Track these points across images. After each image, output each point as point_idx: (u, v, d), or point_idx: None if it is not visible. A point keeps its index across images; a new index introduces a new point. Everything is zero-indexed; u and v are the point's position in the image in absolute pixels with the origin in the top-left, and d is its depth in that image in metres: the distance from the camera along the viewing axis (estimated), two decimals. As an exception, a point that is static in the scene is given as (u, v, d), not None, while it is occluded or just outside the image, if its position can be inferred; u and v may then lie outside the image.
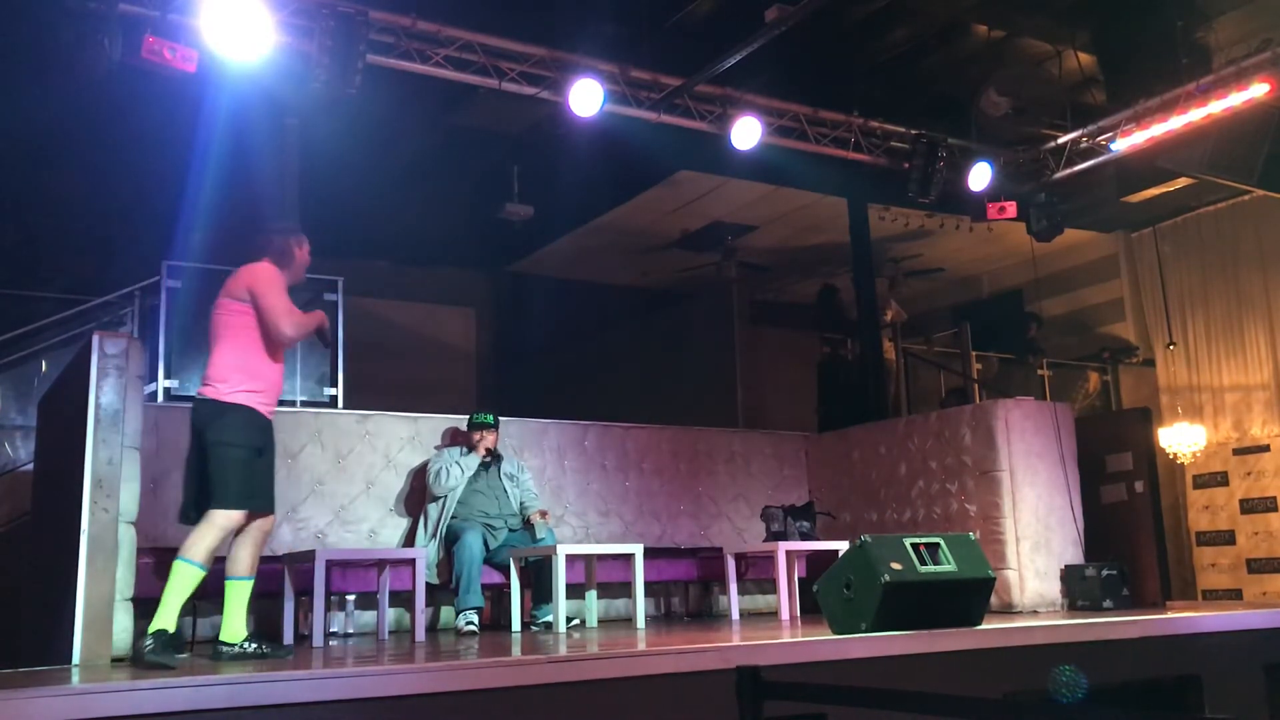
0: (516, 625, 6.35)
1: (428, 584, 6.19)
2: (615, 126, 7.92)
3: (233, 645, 4.48)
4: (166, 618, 4.28)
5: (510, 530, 6.65)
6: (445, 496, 6.61)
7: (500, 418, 7.04)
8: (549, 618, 6.20)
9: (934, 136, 8.73)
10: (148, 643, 4.17)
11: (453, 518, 6.58)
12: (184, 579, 4.35)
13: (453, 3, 7.09)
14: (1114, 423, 8.04)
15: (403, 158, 10.09)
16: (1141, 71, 8.67)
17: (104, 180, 8.97)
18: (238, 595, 4.57)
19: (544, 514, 6.65)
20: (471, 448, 6.77)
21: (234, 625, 4.55)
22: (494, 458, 6.80)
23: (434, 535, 6.54)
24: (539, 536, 6.50)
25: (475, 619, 6.21)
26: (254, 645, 4.52)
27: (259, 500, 4.59)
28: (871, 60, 9.14)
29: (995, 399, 7.36)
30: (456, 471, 6.63)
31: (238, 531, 4.57)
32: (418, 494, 6.96)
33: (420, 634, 5.65)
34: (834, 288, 11.23)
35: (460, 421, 7.11)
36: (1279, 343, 10.55)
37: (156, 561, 5.54)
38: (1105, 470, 7.28)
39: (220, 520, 4.42)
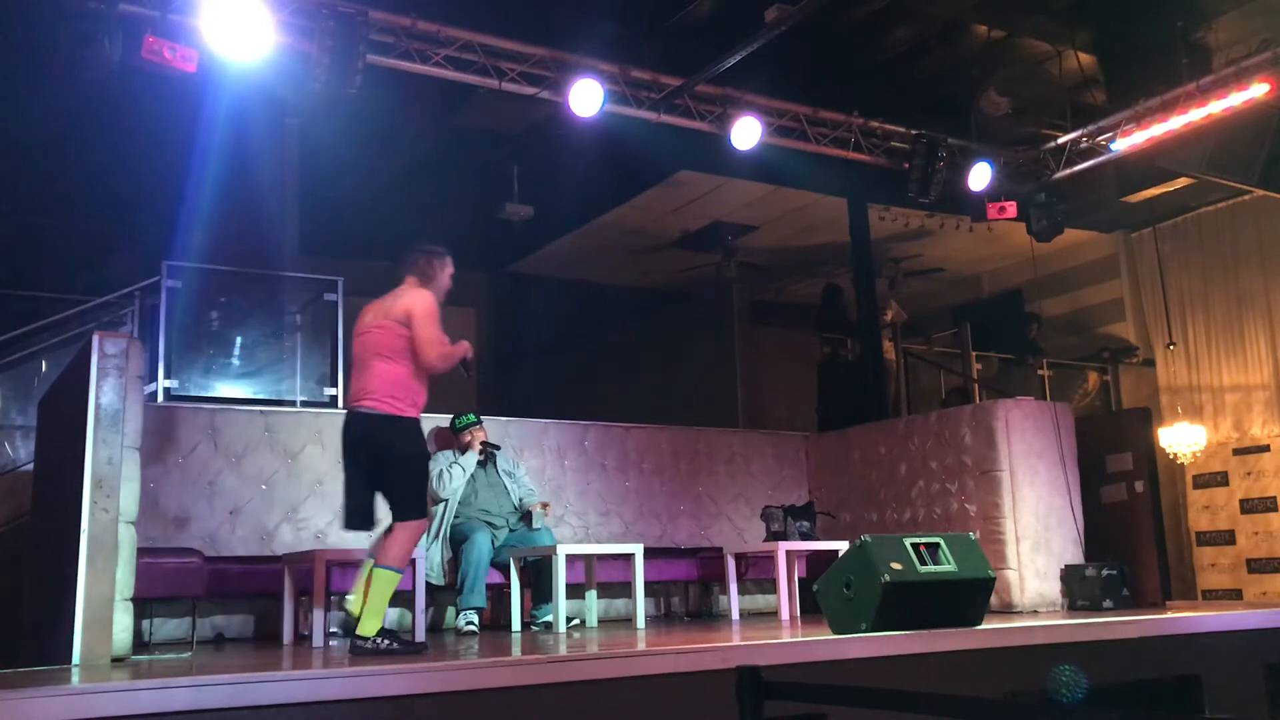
0: (516, 625, 6.35)
1: (432, 585, 6.20)
2: (615, 126, 7.92)
3: (367, 639, 4.58)
4: (375, 621, 4.57)
5: (511, 529, 6.65)
6: (448, 499, 6.61)
7: (489, 417, 7.09)
8: (549, 618, 6.20)
9: (934, 136, 8.72)
10: (382, 642, 4.52)
11: (456, 518, 6.58)
12: (386, 584, 4.62)
13: (453, 3, 7.08)
14: (1114, 423, 8.04)
15: (403, 158, 10.08)
16: (1141, 71, 8.66)
17: (104, 180, 8.96)
18: (385, 587, 4.65)
19: (545, 505, 6.65)
20: (463, 449, 6.77)
21: (376, 616, 4.62)
22: (488, 454, 6.81)
23: (437, 537, 6.54)
24: (536, 526, 6.51)
25: (475, 619, 6.21)
26: (386, 641, 4.59)
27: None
28: (871, 60, 9.13)
29: (995, 399, 7.37)
30: (458, 472, 6.63)
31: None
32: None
33: (420, 634, 5.65)
34: (838, 287, 11.23)
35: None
36: (1279, 343, 10.55)
37: (156, 562, 5.54)
38: (1105, 470, 7.28)
39: (417, 526, 4.73)
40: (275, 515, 6.58)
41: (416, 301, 4.77)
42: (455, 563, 6.43)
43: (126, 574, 4.56)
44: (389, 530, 4.74)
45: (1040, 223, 9.40)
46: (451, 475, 6.61)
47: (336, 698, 3.36)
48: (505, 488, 6.79)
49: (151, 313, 7.74)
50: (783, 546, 6.73)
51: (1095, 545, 6.93)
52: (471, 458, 6.72)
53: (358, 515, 4.80)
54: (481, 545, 6.30)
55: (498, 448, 6.89)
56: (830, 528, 7.64)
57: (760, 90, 8.11)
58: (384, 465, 4.70)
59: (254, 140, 8.63)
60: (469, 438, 6.78)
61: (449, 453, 6.78)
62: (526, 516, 6.66)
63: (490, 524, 6.57)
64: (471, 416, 6.91)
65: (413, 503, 4.69)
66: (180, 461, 6.37)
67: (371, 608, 4.59)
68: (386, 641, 4.56)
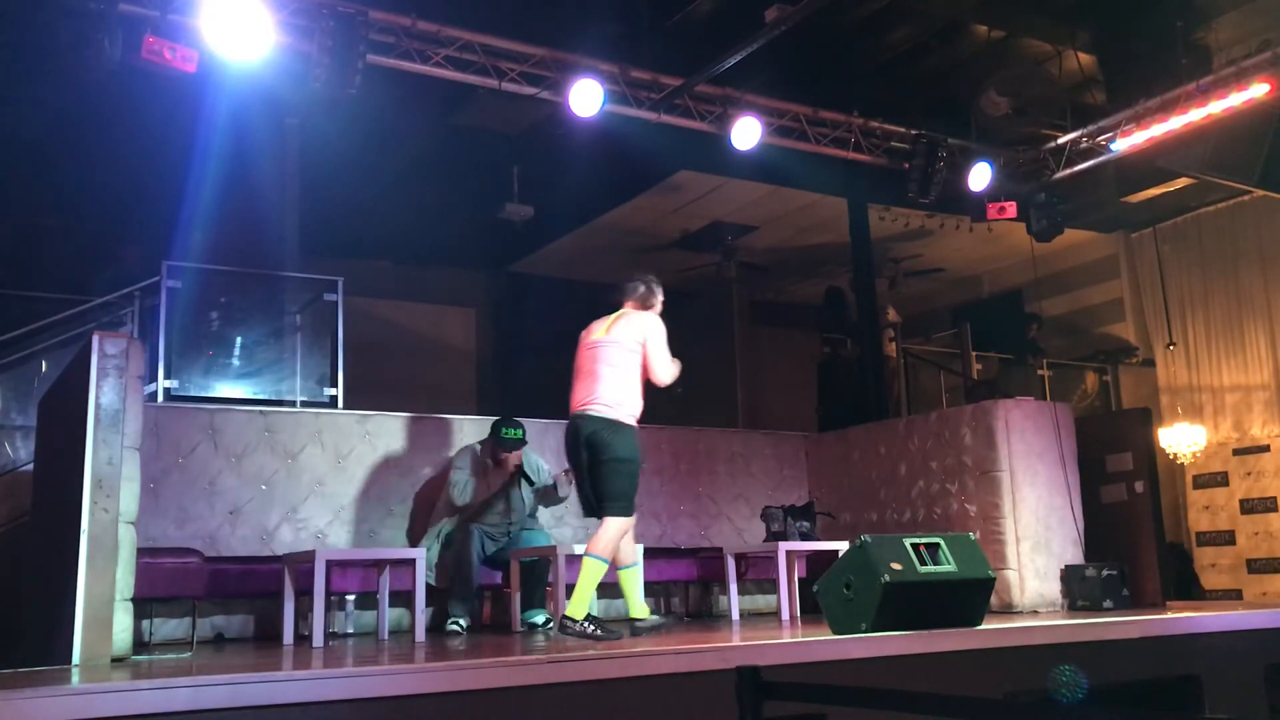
0: (517, 625, 6.35)
1: (430, 586, 6.20)
2: (615, 126, 7.92)
3: (575, 621, 4.99)
4: (582, 606, 5.03)
5: (510, 537, 6.60)
6: (461, 505, 6.49)
7: (489, 417, 6.87)
8: (536, 619, 6.20)
9: (934, 136, 8.73)
10: (585, 626, 4.95)
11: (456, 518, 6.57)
12: (593, 572, 5.10)
13: (453, 3, 7.09)
14: (1114, 423, 8.03)
15: (403, 158, 10.08)
16: (1141, 71, 8.67)
17: (104, 180, 8.96)
18: (593, 574, 5.09)
19: (568, 473, 6.35)
20: (498, 461, 6.54)
21: (583, 602, 5.06)
22: (519, 473, 6.58)
23: (437, 538, 6.52)
24: (563, 495, 6.47)
25: (464, 623, 6.20)
26: (592, 626, 4.99)
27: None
28: (871, 60, 9.14)
29: (995, 399, 7.36)
30: (474, 491, 6.48)
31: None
32: (417, 494, 6.96)
33: (420, 634, 5.65)
34: (839, 289, 11.24)
35: (460, 422, 7.10)
36: (1279, 343, 10.55)
37: (156, 562, 5.54)
38: (1105, 470, 7.27)
39: (624, 524, 5.22)
40: (275, 515, 6.58)
41: (652, 325, 5.46)
42: (448, 563, 6.43)
43: (126, 574, 4.56)
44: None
45: (1040, 223, 9.39)
46: (470, 491, 6.44)
47: (336, 698, 3.36)
48: (522, 498, 6.59)
49: (151, 313, 7.74)
50: (783, 546, 6.73)
51: (1095, 545, 6.93)
52: (497, 481, 6.51)
53: (589, 506, 5.36)
54: (468, 547, 6.28)
55: (532, 482, 6.59)
56: (830, 528, 7.64)
57: (760, 90, 8.11)
58: (601, 464, 5.17)
59: (254, 140, 8.63)
60: (504, 457, 6.50)
61: (476, 453, 6.55)
62: (550, 490, 6.54)
63: (487, 533, 6.49)
64: (519, 434, 6.50)
65: (622, 501, 5.18)
66: (180, 461, 6.37)
67: (579, 593, 5.04)
68: (592, 626, 4.99)
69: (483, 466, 6.57)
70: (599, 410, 5.22)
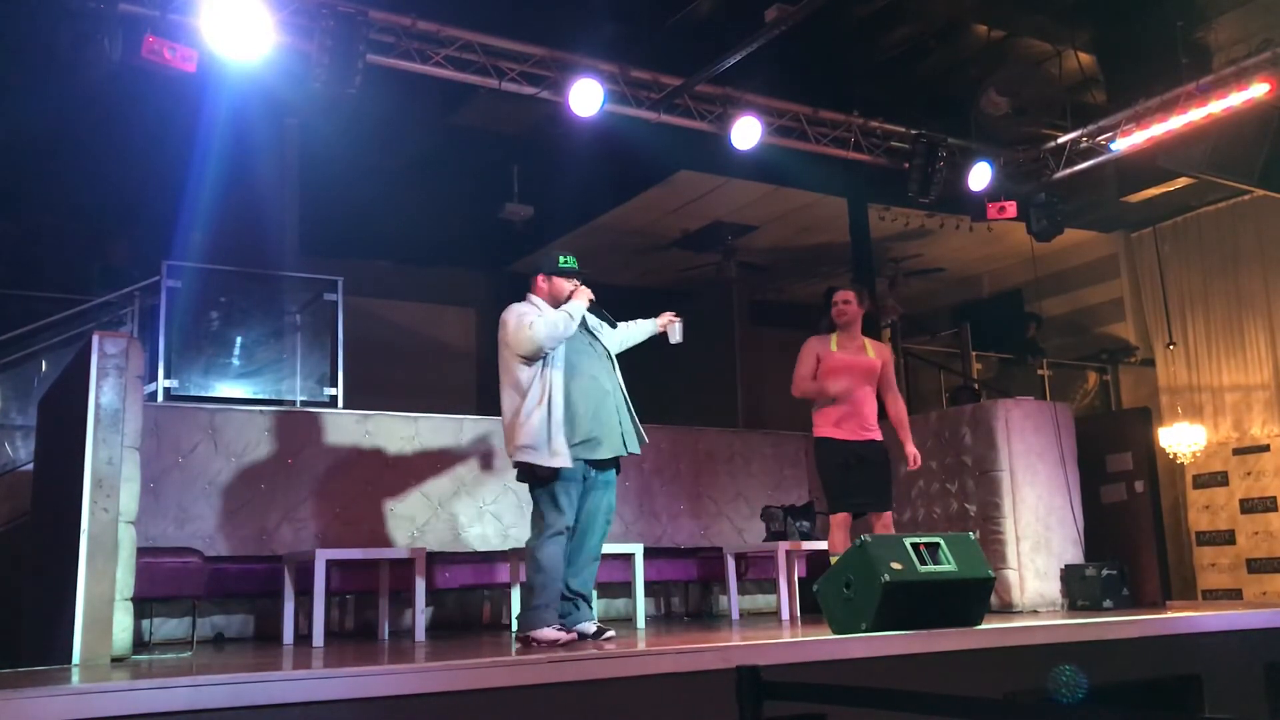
0: (516, 625, 6.33)
1: (544, 469, 4.84)
2: (615, 126, 7.92)
3: None
4: None
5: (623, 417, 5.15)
6: (543, 354, 4.90)
7: (493, 417, 6.02)
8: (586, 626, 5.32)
9: (934, 136, 8.72)
10: None
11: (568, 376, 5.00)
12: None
13: (453, 3, 7.09)
14: (1114, 423, 8.03)
15: (403, 158, 10.08)
16: (1141, 71, 8.67)
17: (104, 180, 8.97)
18: None
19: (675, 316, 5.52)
20: (558, 301, 5.06)
21: None
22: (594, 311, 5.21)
23: (543, 400, 4.85)
24: (675, 340, 5.50)
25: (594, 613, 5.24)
26: None
27: (848, 503, 5.88)
28: (871, 60, 9.13)
29: (995, 399, 7.36)
30: (564, 317, 4.93)
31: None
32: (419, 493, 6.96)
33: (420, 634, 5.65)
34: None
35: (460, 422, 7.09)
36: (1279, 343, 10.55)
37: (156, 562, 5.54)
38: (1105, 470, 7.28)
39: (831, 520, 5.92)
40: (275, 515, 6.58)
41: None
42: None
43: (126, 574, 4.56)
44: None
45: (1040, 223, 9.39)
46: (555, 323, 4.88)
47: (336, 698, 3.36)
48: (607, 353, 5.28)
49: (151, 313, 7.73)
50: (783, 546, 6.74)
51: (1095, 545, 6.93)
52: (580, 305, 5.04)
53: None
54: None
55: (610, 324, 5.34)
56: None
57: (760, 90, 8.11)
58: None
59: (254, 140, 8.63)
60: (573, 286, 5.08)
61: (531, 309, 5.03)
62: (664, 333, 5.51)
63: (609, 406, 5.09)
64: (575, 262, 5.17)
65: (827, 501, 6.06)
66: (180, 461, 6.37)
67: None
68: None
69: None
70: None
